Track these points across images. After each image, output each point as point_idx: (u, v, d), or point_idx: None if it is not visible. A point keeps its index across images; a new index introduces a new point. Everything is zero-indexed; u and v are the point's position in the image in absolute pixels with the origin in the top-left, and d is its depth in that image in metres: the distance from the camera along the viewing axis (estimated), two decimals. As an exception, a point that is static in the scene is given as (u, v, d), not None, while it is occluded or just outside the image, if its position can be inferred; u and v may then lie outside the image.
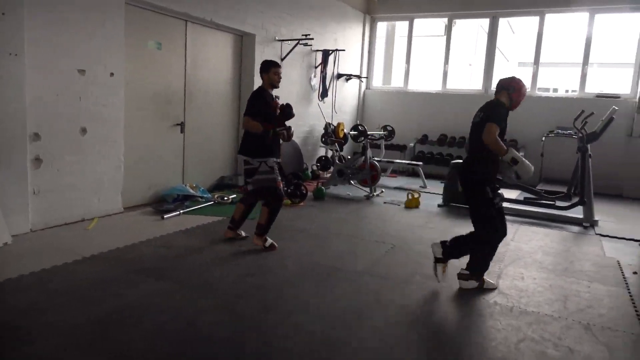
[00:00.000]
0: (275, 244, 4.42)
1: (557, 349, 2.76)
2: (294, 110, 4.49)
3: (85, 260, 3.84)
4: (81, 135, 4.86)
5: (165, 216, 5.25)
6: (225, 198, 6.21)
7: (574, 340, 2.89)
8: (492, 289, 3.64)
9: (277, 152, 4.42)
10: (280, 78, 4.46)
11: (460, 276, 3.66)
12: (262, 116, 4.27)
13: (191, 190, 6.07)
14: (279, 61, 7.74)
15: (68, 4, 4.57)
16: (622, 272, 4.22)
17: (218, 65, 6.95)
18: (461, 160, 7.19)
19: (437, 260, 3.70)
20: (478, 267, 3.64)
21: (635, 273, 4.23)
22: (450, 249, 3.67)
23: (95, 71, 4.91)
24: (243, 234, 4.74)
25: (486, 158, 3.57)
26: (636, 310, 3.38)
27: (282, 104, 4.48)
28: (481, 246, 3.62)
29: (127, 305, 3.05)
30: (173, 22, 6.03)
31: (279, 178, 4.37)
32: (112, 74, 5.07)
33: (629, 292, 3.73)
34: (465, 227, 5.60)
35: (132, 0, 5.31)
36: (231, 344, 2.65)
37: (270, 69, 4.38)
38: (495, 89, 3.79)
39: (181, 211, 5.47)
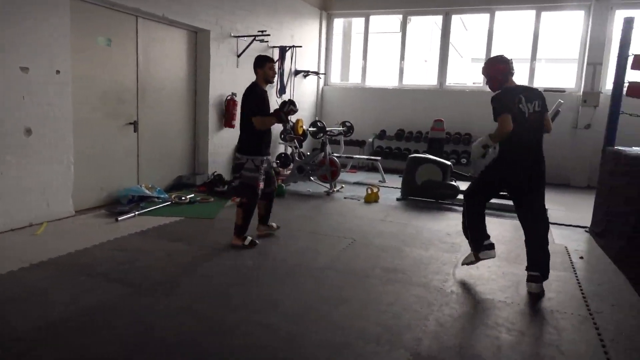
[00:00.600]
0: (256, 240, 4.44)
1: (510, 333, 2.86)
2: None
3: (33, 267, 3.65)
4: (26, 137, 4.62)
5: (119, 218, 5.08)
6: (183, 198, 6.08)
7: (525, 324, 3.01)
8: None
9: (267, 150, 4.45)
10: (275, 73, 4.51)
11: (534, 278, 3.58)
12: (260, 114, 4.31)
13: (147, 191, 5.90)
14: (235, 58, 7.68)
15: (7, -2, 4.34)
16: (570, 258, 4.43)
17: (172, 61, 6.78)
18: (420, 155, 7.35)
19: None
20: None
21: (581, 258, 4.46)
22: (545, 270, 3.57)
23: (40, 69, 4.68)
24: (275, 225, 4.83)
25: None
26: (582, 293, 3.56)
27: (285, 100, 4.58)
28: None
29: (80, 311, 2.93)
30: (123, 17, 5.83)
31: (261, 178, 4.37)
32: (58, 72, 4.85)
33: (576, 276, 3.93)
34: (423, 220, 5.74)
35: (78, -6, 5.10)
36: (191, 346, 2.60)
37: (265, 64, 4.36)
38: (513, 73, 3.70)
39: (136, 212, 5.31)
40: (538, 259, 3.59)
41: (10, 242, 4.24)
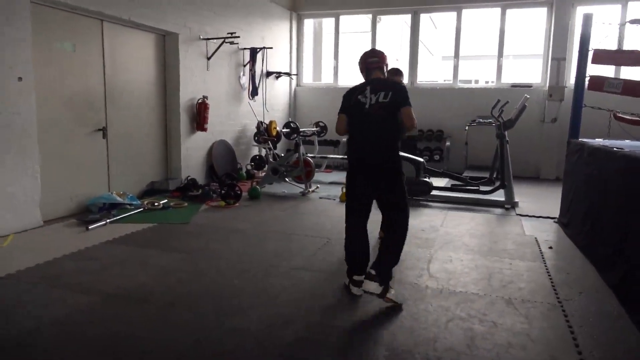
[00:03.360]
0: None
1: (483, 324, 2.92)
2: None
3: (0, 279, 3.55)
4: (-12, 146, 4.49)
5: (90, 227, 4.97)
6: (156, 204, 5.99)
7: (497, 314, 3.07)
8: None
9: None
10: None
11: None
12: None
13: (118, 198, 5.79)
14: (205, 60, 7.61)
15: (-37, 4, 4.20)
16: (540, 248, 4.55)
17: (141, 65, 6.67)
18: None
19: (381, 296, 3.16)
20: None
21: (550, 248, 4.58)
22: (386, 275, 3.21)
23: (1, 76, 4.54)
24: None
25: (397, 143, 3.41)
26: (552, 282, 3.66)
27: None
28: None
29: (49, 324, 2.86)
30: (87, 21, 5.71)
31: None
32: (20, 79, 4.71)
33: (545, 266, 4.03)
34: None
35: (39, -1, 4.97)
36: (165, 352, 2.57)
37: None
38: (391, 73, 3.70)
39: (108, 220, 5.20)
40: (380, 260, 3.25)
41: (-25, 255, 4.10)
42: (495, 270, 3.90)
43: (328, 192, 7.36)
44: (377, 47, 10.31)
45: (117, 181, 6.27)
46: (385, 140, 3.33)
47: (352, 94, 3.47)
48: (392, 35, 15.59)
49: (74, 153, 5.64)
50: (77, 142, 5.69)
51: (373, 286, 3.14)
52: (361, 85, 3.50)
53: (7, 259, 3.99)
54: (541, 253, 4.40)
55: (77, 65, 5.61)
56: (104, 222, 5.14)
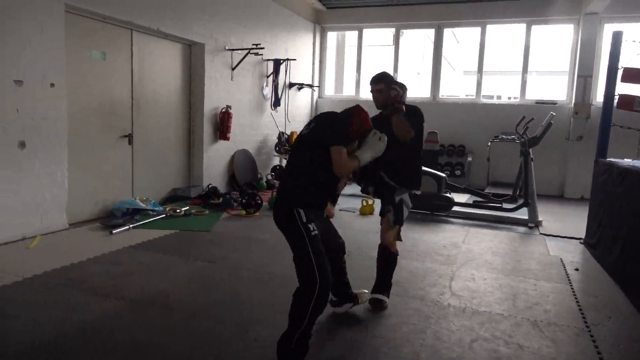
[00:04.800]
0: None
1: (508, 346, 2.86)
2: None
3: (26, 280, 3.61)
4: (20, 150, 4.60)
5: (113, 231, 5.04)
6: (178, 210, 6.05)
7: (523, 336, 3.00)
8: None
9: None
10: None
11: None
12: None
13: (141, 204, 5.86)
14: (229, 71, 7.71)
15: (1, 10, 4.33)
16: (565, 269, 4.44)
17: (167, 75, 6.79)
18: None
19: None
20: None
21: (577, 270, 4.47)
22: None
23: (34, 82, 4.67)
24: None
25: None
26: (579, 305, 3.56)
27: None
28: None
29: (75, 327, 2.89)
30: (117, 30, 5.84)
31: None
32: (52, 85, 4.84)
33: (572, 288, 3.93)
34: (418, 232, 5.74)
35: (73, 8, 5.10)
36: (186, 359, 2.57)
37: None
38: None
39: (131, 225, 5.27)
40: None
41: (3, 255, 4.19)
42: (519, 291, 3.82)
43: (348, 204, 7.33)
44: (399, 61, 10.35)
45: (141, 187, 6.36)
46: (291, 179, 2.72)
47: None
48: (414, 48, 15.60)
49: (101, 158, 5.75)
50: (104, 147, 5.80)
51: None
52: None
53: (34, 260, 4.06)
54: (567, 274, 4.30)
55: (106, 73, 5.74)
56: (127, 227, 5.21)
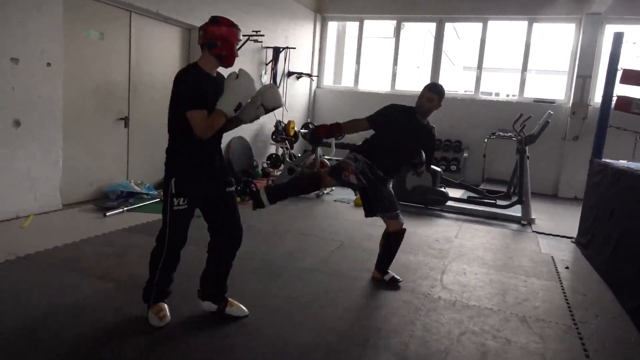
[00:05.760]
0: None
1: (496, 340, 2.89)
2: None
3: (19, 260, 3.60)
4: (14, 128, 4.56)
5: (107, 213, 5.02)
6: (172, 195, 6.03)
7: (511, 331, 3.03)
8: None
9: None
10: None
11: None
12: None
13: (136, 187, 5.84)
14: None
15: (0, -13, 4.28)
16: (556, 267, 4.49)
17: (165, 59, 6.73)
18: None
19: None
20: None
21: (567, 268, 4.51)
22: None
23: (31, 60, 4.61)
24: None
25: None
26: (568, 303, 3.60)
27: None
28: None
29: (66, 307, 2.89)
30: (116, 11, 5.77)
31: None
32: (49, 64, 4.79)
33: (562, 286, 3.97)
34: (412, 225, 5.76)
35: (73, -14, 5.04)
36: (176, 344, 2.58)
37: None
38: None
39: (125, 208, 5.25)
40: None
41: (-5, 234, 4.17)
42: (510, 287, 3.85)
43: (343, 195, 7.35)
44: (400, 54, 10.31)
45: (136, 170, 6.33)
46: (167, 150, 2.91)
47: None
48: (415, 42, 15.55)
49: (96, 140, 5.71)
50: (99, 129, 5.76)
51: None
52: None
53: (27, 240, 4.05)
54: (557, 272, 4.34)
55: (103, 54, 5.68)
56: (121, 209, 5.20)
